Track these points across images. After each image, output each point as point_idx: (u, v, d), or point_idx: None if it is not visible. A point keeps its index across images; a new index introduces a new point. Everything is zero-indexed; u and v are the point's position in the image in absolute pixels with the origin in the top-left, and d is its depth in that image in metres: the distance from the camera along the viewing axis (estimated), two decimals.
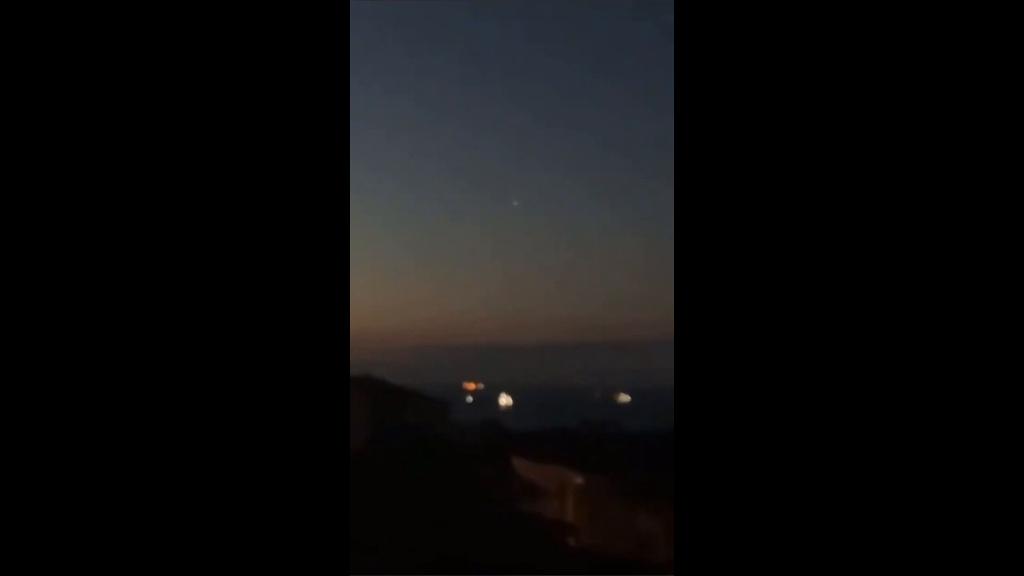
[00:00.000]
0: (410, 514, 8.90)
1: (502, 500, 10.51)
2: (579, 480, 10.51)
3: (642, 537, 9.48)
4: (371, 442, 10.75)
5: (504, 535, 9.39)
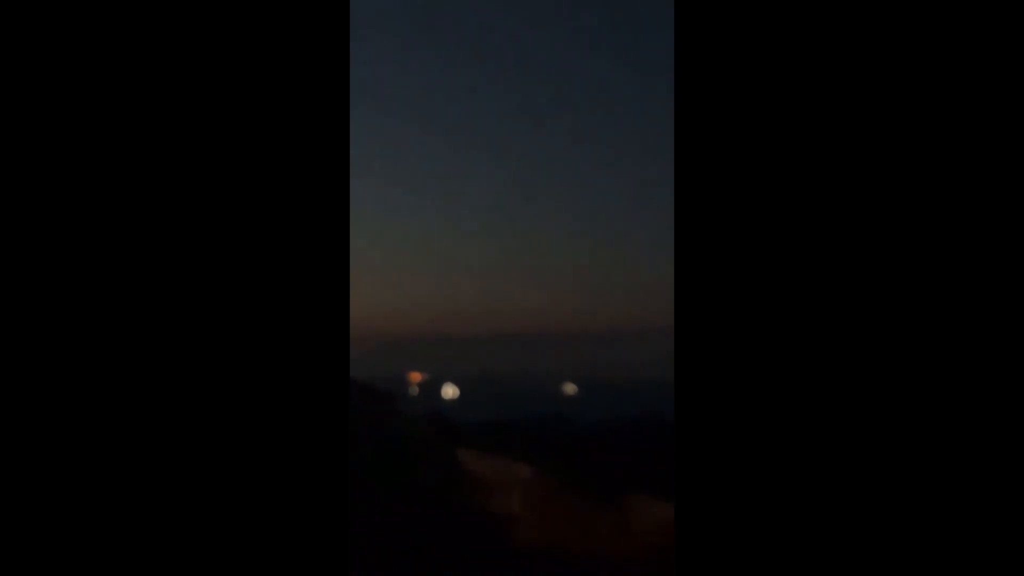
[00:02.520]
0: (352, 509, 8.80)
1: (448, 494, 10.55)
2: (526, 472, 10.58)
3: (589, 529, 9.60)
4: None
5: (449, 528, 9.41)
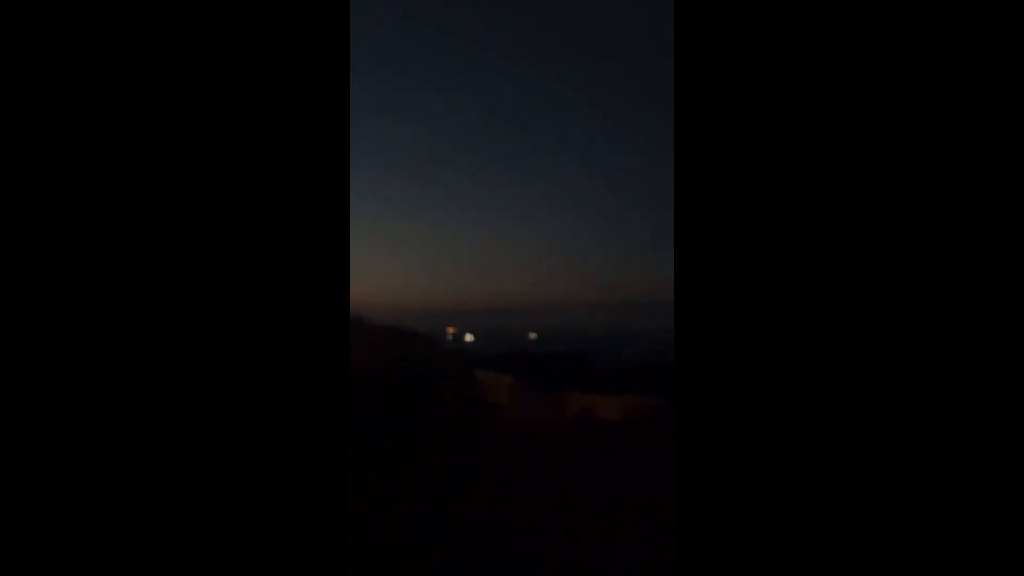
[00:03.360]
0: (408, 405, 12.88)
1: (466, 394, 14.74)
2: (509, 380, 14.68)
3: (542, 410, 13.79)
4: (389, 363, 15.29)
5: (464, 412, 13.68)
